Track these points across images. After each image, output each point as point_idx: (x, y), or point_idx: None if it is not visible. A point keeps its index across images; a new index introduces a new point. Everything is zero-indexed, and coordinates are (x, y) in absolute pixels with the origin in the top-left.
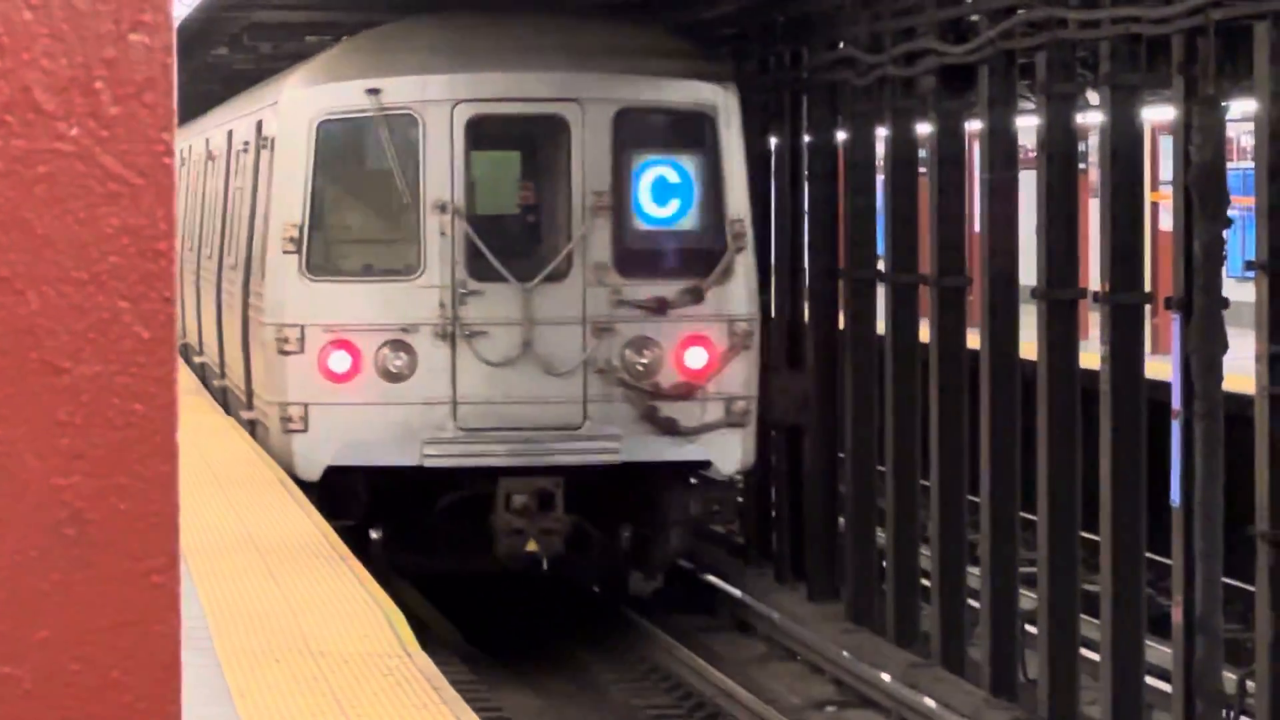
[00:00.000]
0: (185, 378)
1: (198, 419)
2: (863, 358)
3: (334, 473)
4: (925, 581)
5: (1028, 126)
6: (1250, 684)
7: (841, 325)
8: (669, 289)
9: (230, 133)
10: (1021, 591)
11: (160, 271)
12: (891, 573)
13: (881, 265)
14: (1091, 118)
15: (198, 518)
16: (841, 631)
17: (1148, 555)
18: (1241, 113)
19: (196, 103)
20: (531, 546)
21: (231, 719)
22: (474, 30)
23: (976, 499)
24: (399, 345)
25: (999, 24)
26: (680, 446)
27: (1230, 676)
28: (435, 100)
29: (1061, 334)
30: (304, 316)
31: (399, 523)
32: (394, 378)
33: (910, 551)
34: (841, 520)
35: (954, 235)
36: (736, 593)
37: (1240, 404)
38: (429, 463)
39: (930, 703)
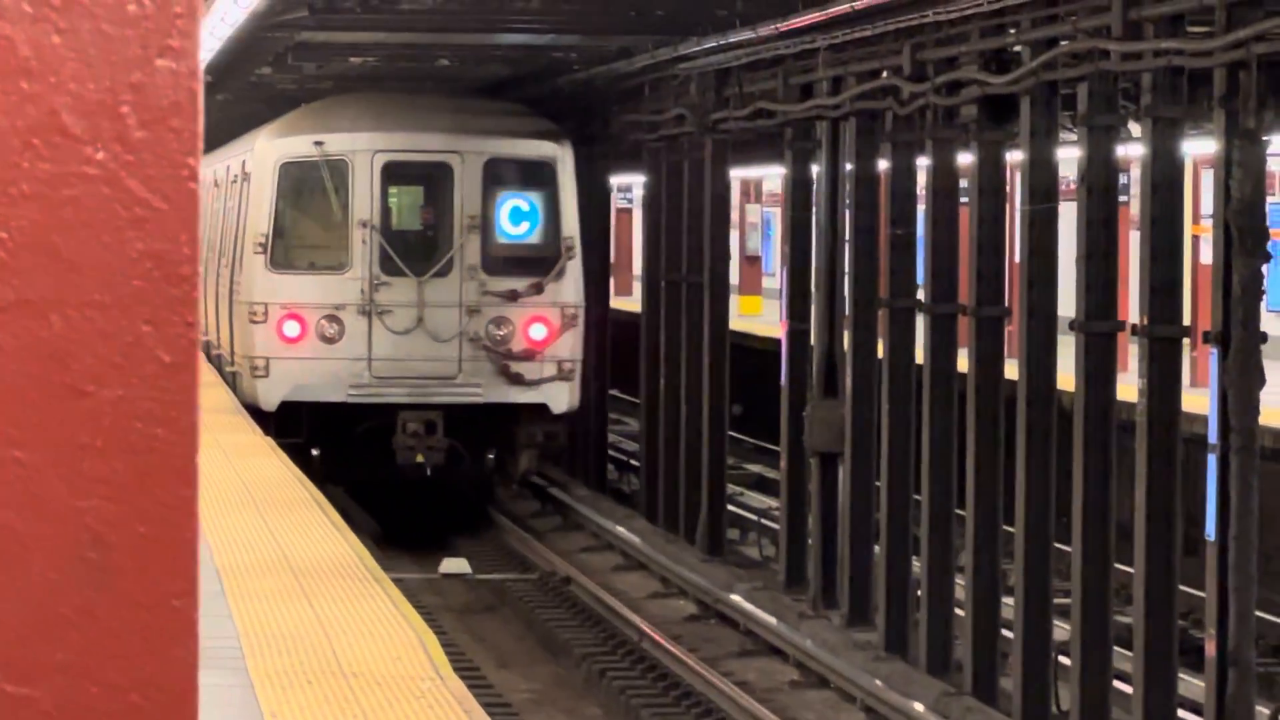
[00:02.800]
0: (222, 396)
1: (234, 438)
2: (900, 387)
3: (285, 406)
4: (959, 611)
5: (1069, 158)
6: None
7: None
8: (519, 283)
9: (228, 167)
10: (1055, 622)
11: (183, 296)
12: (925, 601)
13: (921, 295)
14: (1133, 150)
15: (233, 538)
16: (874, 659)
17: (1181, 588)
18: None
19: (240, 123)
20: (420, 459)
21: None
22: (390, 103)
23: (1012, 529)
24: (333, 318)
25: (1041, 55)
26: (526, 393)
27: (1263, 711)
28: (361, 150)
29: (1099, 366)
30: (267, 297)
31: (331, 443)
32: (329, 341)
33: (944, 581)
34: (876, 549)
35: (993, 266)
36: (771, 619)
37: (1278, 438)
38: (351, 399)
39: None
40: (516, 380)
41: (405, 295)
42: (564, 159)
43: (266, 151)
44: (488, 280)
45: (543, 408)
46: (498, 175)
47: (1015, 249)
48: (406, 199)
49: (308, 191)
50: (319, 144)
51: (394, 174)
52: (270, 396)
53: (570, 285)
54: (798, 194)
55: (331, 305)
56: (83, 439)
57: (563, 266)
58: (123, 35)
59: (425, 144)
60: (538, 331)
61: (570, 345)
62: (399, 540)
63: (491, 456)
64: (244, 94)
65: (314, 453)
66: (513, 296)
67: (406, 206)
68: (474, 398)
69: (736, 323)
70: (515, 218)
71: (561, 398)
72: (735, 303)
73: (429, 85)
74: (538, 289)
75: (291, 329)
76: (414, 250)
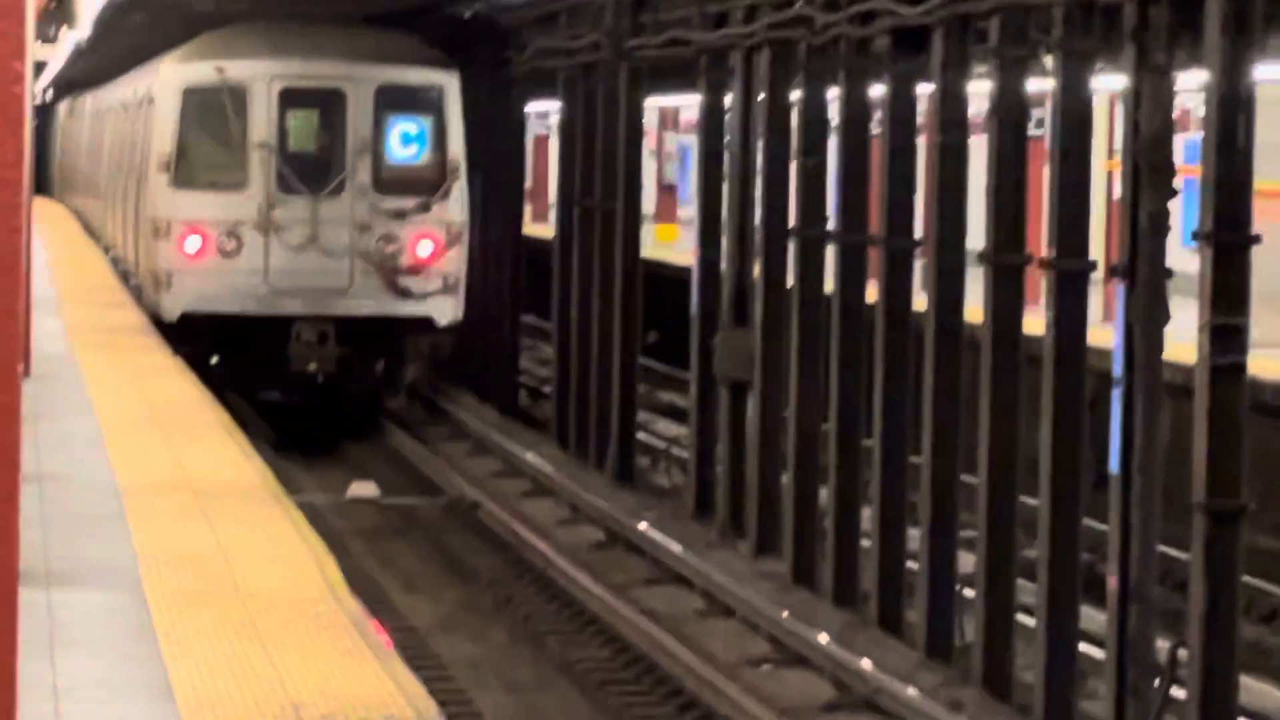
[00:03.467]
0: (132, 317)
1: (142, 359)
2: (810, 317)
3: (187, 317)
4: (866, 542)
5: (980, 91)
6: (1183, 653)
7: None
8: (408, 203)
9: (134, 91)
10: (960, 554)
11: (7, 201)
12: (832, 533)
13: (831, 225)
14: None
15: (136, 458)
16: (780, 589)
17: (1087, 522)
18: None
19: (157, 44)
20: (313, 367)
21: (155, 660)
22: (287, 32)
23: (919, 460)
24: (232, 234)
25: None
26: (412, 306)
27: (1163, 645)
28: (260, 76)
29: (1007, 299)
30: (170, 213)
31: (229, 352)
32: (228, 255)
33: (851, 512)
34: (784, 478)
35: (904, 197)
36: (678, 548)
37: (1187, 375)
38: (250, 310)
39: (866, 663)
40: (404, 294)
41: (300, 213)
42: (451, 86)
43: (170, 77)
44: (378, 199)
45: (428, 320)
46: (388, 101)
47: (926, 181)
48: (302, 123)
49: (209, 115)
50: (220, 70)
51: (290, 99)
52: (173, 307)
53: (456, 204)
54: (711, 123)
55: (231, 222)
56: None
57: (448, 187)
58: None
59: (320, 71)
60: (424, 248)
61: (455, 261)
62: (296, 447)
63: (380, 366)
64: (162, 14)
65: (213, 361)
66: (400, 215)
67: (302, 130)
68: (364, 309)
69: (652, 251)
70: (404, 140)
71: (446, 311)
72: (651, 231)
73: (344, 8)
74: (425, 208)
75: (193, 244)
76: (309, 171)
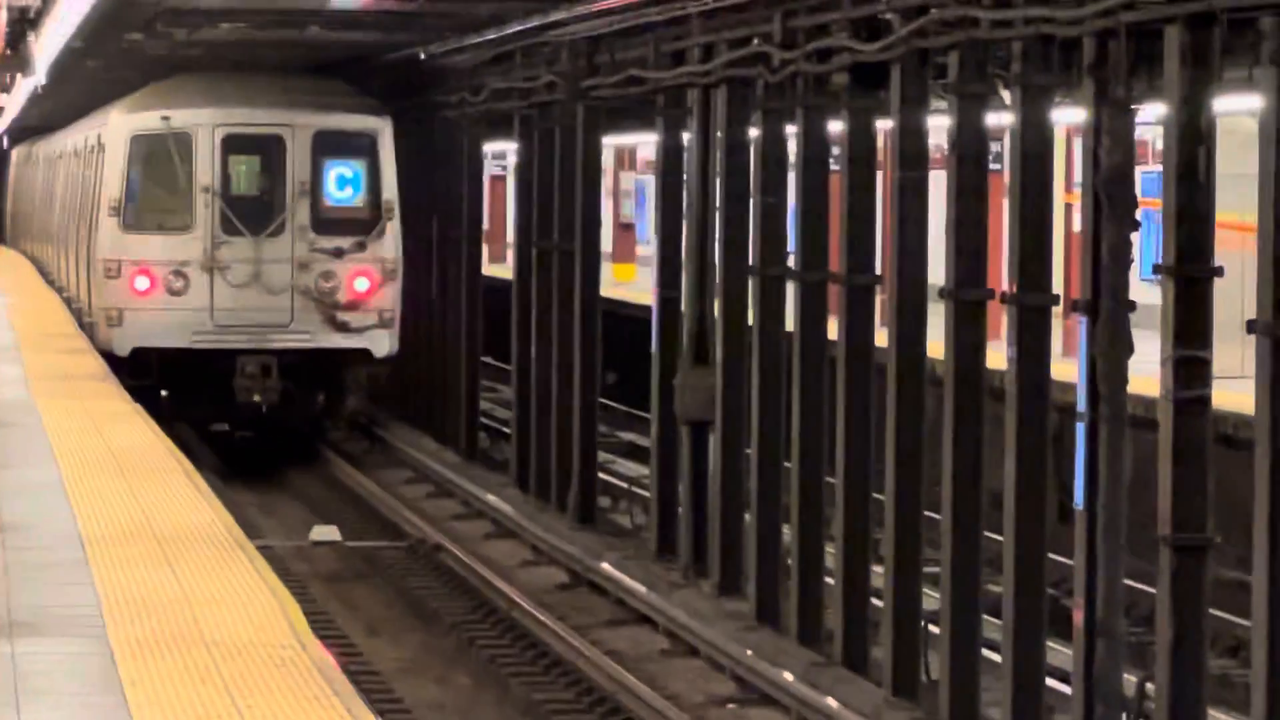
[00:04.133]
0: (92, 363)
1: (103, 405)
2: (771, 355)
3: (137, 352)
4: (830, 580)
5: (939, 125)
6: (1150, 687)
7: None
8: (345, 242)
9: (85, 138)
10: (925, 591)
11: None
12: (795, 571)
13: (791, 263)
14: (1004, 118)
15: (98, 505)
16: (744, 629)
17: (1052, 557)
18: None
19: (111, 88)
20: (256, 398)
21: (121, 708)
22: (229, 81)
23: (882, 498)
24: (178, 273)
25: (912, 22)
26: (351, 339)
27: (1130, 679)
28: (204, 124)
29: (969, 334)
30: (120, 254)
31: (177, 385)
32: (175, 293)
33: (815, 550)
34: (747, 517)
35: (864, 234)
36: (641, 588)
37: (1150, 407)
38: (196, 345)
39: (831, 702)
40: (342, 328)
41: (243, 253)
42: (384, 131)
43: (119, 125)
44: (316, 239)
45: (366, 352)
46: (325, 145)
47: (886, 217)
48: (244, 167)
49: (156, 160)
50: (166, 119)
51: (233, 145)
52: (124, 343)
53: (390, 243)
54: (669, 161)
55: (178, 261)
56: None
57: (383, 226)
58: None
59: (261, 118)
60: (361, 284)
61: (390, 296)
62: (240, 472)
63: (321, 397)
64: (116, 61)
65: (163, 394)
66: (338, 253)
67: (244, 174)
68: (304, 343)
69: (611, 290)
70: (340, 183)
71: (383, 343)
72: (609, 270)
73: (299, 53)
74: (361, 246)
75: (142, 283)
76: (251, 213)
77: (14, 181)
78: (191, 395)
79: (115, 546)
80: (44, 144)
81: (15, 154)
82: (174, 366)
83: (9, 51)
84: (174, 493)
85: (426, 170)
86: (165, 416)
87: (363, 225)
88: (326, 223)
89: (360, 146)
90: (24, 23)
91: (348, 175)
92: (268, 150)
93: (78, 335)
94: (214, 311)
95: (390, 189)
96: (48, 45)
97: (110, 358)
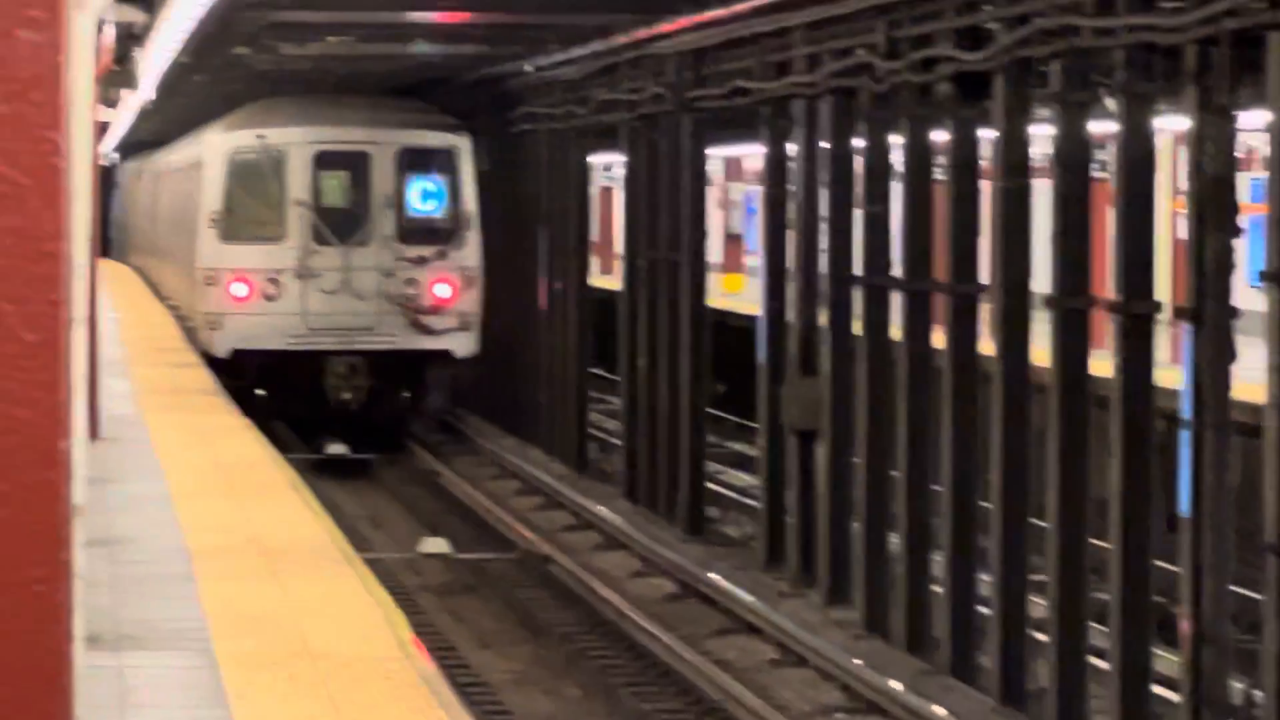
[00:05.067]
0: (200, 377)
1: (211, 419)
2: (877, 364)
3: (236, 353)
4: (937, 589)
5: (1043, 134)
6: (1257, 694)
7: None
8: (427, 250)
9: (187, 156)
10: (1031, 599)
11: (46, 274)
12: (903, 579)
13: (897, 272)
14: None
15: (205, 519)
16: (852, 638)
17: (1158, 564)
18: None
19: (221, 103)
20: (345, 396)
21: None
22: (318, 102)
23: (989, 505)
24: (273, 281)
25: (1014, 31)
26: (433, 341)
27: (1238, 687)
28: (296, 142)
29: (1073, 342)
30: (219, 263)
31: (272, 384)
32: (271, 299)
33: (922, 558)
34: (854, 526)
35: (968, 243)
36: (750, 598)
37: (1256, 414)
38: (290, 347)
39: (939, 710)
40: (425, 330)
41: (333, 261)
42: (463, 147)
43: (217, 143)
44: (401, 248)
45: (447, 354)
46: (408, 161)
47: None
48: (334, 182)
49: (252, 176)
50: (261, 137)
51: (323, 161)
52: (223, 346)
53: (469, 251)
54: (775, 172)
55: (273, 270)
56: None
57: (463, 236)
58: None
59: (349, 136)
60: (442, 290)
61: (470, 301)
62: (332, 469)
63: (406, 394)
64: (222, 74)
65: (258, 392)
66: (421, 261)
67: (334, 188)
68: (390, 345)
69: (719, 301)
70: (423, 196)
71: (463, 345)
72: (718, 281)
73: (400, 69)
74: (442, 255)
75: (239, 290)
76: (340, 224)
77: (123, 198)
78: (285, 394)
79: (221, 560)
80: (149, 161)
81: (122, 171)
82: (269, 367)
83: (116, 67)
84: (281, 506)
85: (532, 182)
86: (261, 413)
87: (444, 235)
88: (410, 233)
89: (441, 162)
90: (130, 39)
91: (430, 189)
92: (355, 166)
93: (186, 349)
94: (306, 316)
95: (470, 201)
96: (154, 60)
97: (210, 359)
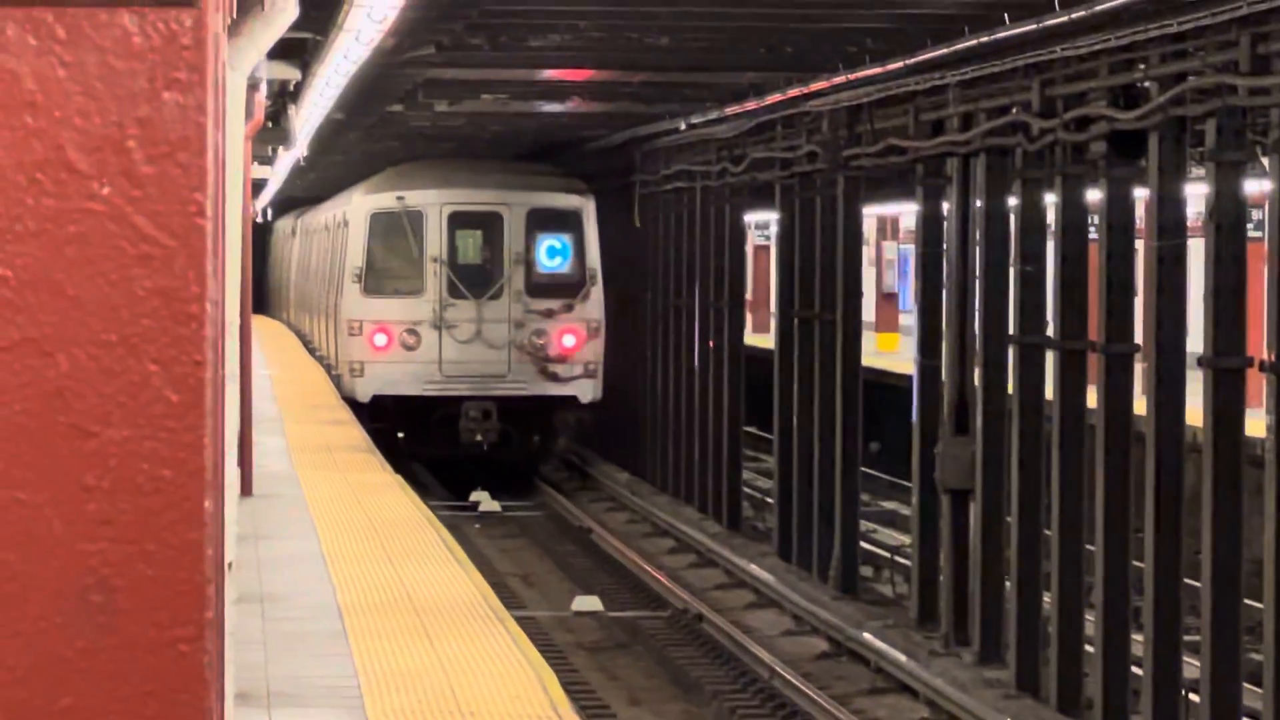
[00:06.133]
0: (352, 434)
1: (363, 477)
2: (1030, 423)
3: (377, 399)
4: (1090, 648)
5: (1197, 194)
6: None
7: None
8: (555, 304)
9: (333, 215)
10: (1185, 659)
11: (191, 335)
12: (1055, 639)
13: (1050, 331)
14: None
15: (357, 576)
16: (1004, 697)
17: None
18: None
19: (374, 160)
20: (479, 438)
21: None
22: (455, 166)
23: (1141, 565)
24: (412, 331)
25: (1169, 90)
26: (560, 387)
27: None
28: (433, 203)
29: (1228, 402)
30: (362, 315)
31: (411, 427)
32: (409, 348)
33: (1075, 617)
34: (1006, 585)
35: (1122, 302)
36: (902, 657)
37: None
38: (427, 393)
39: None
40: (553, 378)
41: (467, 313)
42: (588, 208)
43: (360, 204)
44: (530, 301)
45: (573, 399)
46: (537, 221)
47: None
48: (468, 240)
49: (392, 234)
50: (400, 198)
51: (458, 221)
52: (365, 391)
53: (594, 305)
54: (929, 230)
55: (411, 321)
56: (87, 480)
57: (587, 290)
58: (130, 68)
59: (482, 198)
60: (569, 340)
61: (594, 351)
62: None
63: (536, 438)
64: (375, 132)
65: (399, 435)
66: (549, 314)
67: (468, 245)
68: (520, 390)
69: (874, 360)
70: (551, 254)
71: (588, 391)
72: (873, 340)
73: (552, 127)
74: (569, 308)
75: (380, 340)
76: (474, 279)
77: (275, 255)
78: (423, 436)
79: (373, 617)
80: (300, 220)
81: (278, 228)
82: (408, 411)
83: (270, 125)
84: (432, 563)
85: (688, 241)
86: (400, 455)
87: (570, 289)
88: (539, 287)
89: (567, 221)
90: (285, 95)
91: (557, 247)
92: (488, 225)
93: (339, 406)
94: (442, 364)
95: (594, 258)
96: (308, 117)
97: (353, 404)
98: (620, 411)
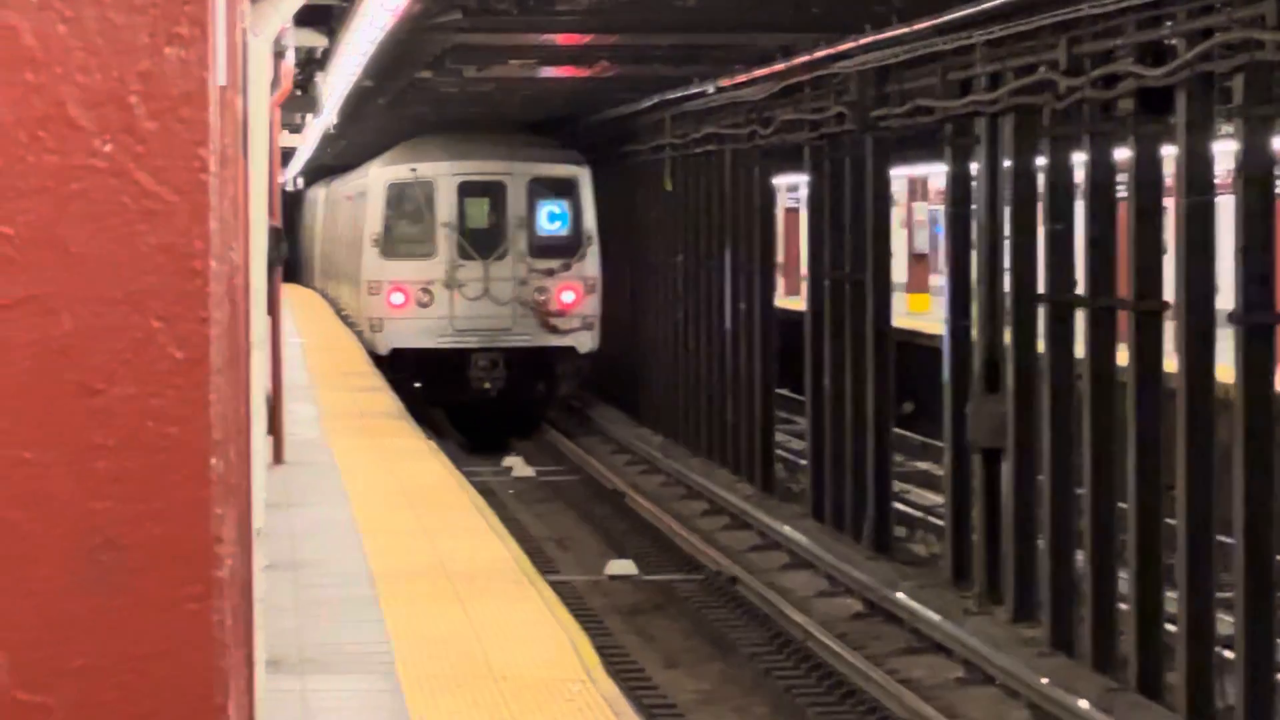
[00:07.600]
0: (384, 400)
1: (395, 442)
2: (1061, 382)
3: (395, 352)
4: (1124, 605)
5: (1226, 150)
6: None
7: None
8: (554, 264)
9: (354, 186)
10: (1219, 616)
11: (196, 291)
12: (1089, 597)
13: (1080, 289)
14: None
15: (389, 542)
16: (1039, 655)
17: None
18: None
19: (404, 125)
20: (487, 386)
21: None
22: (463, 138)
23: (1174, 522)
24: (425, 290)
25: (1196, 46)
26: (560, 339)
27: None
28: (443, 174)
29: (1258, 358)
30: (380, 276)
31: (428, 376)
32: (423, 306)
33: (1108, 576)
34: (1040, 544)
35: (1152, 260)
36: (936, 617)
37: None
38: (440, 345)
39: None
40: (554, 330)
41: (475, 273)
42: (584, 177)
43: (378, 175)
44: (532, 262)
45: (572, 349)
46: (537, 189)
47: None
48: (475, 207)
49: (406, 203)
50: (414, 170)
51: (466, 189)
52: (385, 345)
53: (590, 264)
54: (958, 190)
55: (425, 281)
56: (94, 438)
57: (584, 251)
58: (130, 23)
59: (487, 168)
60: (567, 296)
61: (591, 305)
62: (476, 444)
63: (540, 386)
64: (404, 98)
65: (416, 385)
66: (549, 273)
67: (476, 212)
68: (524, 342)
69: (905, 320)
70: (550, 219)
71: (585, 341)
72: (904, 300)
73: (583, 92)
74: (567, 267)
75: (397, 298)
76: (481, 242)
77: (306, 221)
78: (437, 385)
79: (405, 583)
80: (327, 189)
81: (307, 197)
82: (423, 362)
83: (298, 92)
84: (465, 528)
85: (716, 204)
86: (417, 400)
87: (569, 250)
88: (540, 249)
89: (565, 188)
90: (312, 63)
91: (556, 212)
92: (493, 193)
93: (373, 373)
94: (453, 319)
95: (589, 222)
96: (337, 85)
97: (374, 356)
98: (654, 375)
